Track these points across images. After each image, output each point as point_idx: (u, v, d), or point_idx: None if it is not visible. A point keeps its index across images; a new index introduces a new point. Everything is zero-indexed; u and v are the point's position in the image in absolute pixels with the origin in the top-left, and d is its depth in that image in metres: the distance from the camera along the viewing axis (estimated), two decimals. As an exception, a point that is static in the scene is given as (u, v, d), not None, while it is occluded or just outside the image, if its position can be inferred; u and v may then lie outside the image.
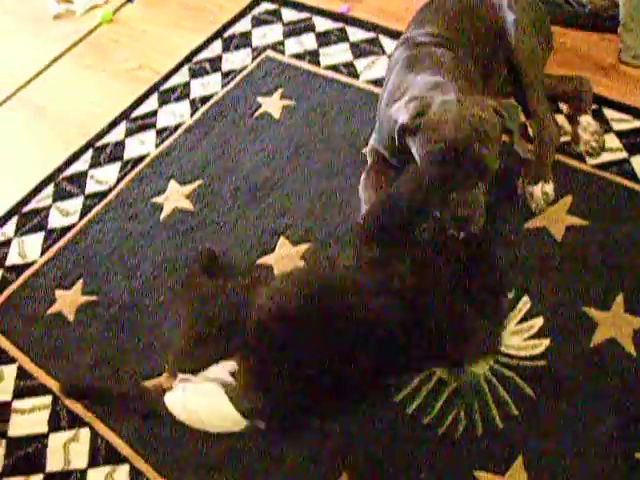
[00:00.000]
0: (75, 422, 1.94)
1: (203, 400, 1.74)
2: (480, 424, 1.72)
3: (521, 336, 1.83)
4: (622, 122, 2.21)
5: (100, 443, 1.89)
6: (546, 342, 1.81)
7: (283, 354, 1.66)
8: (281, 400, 1.68)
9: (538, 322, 1.84)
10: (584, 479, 1.60)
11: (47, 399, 2.01)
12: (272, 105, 2.58)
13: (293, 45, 2.80)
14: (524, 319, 1.86)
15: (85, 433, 1.92)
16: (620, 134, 2.19)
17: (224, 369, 1.72)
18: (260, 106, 2.59)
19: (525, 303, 1.88)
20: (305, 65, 2.70)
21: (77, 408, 1.96)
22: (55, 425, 1.96)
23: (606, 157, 2.13)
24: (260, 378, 1.69)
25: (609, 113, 2.24)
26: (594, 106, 2.26)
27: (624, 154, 2.13)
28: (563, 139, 2.19)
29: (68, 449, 1.90)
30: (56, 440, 1.93)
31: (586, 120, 2.18)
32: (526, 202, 2.07)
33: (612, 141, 2.17)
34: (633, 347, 1.76)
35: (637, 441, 1.63)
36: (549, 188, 2.06)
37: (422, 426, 1.74)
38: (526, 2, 2.24)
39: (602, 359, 1.76)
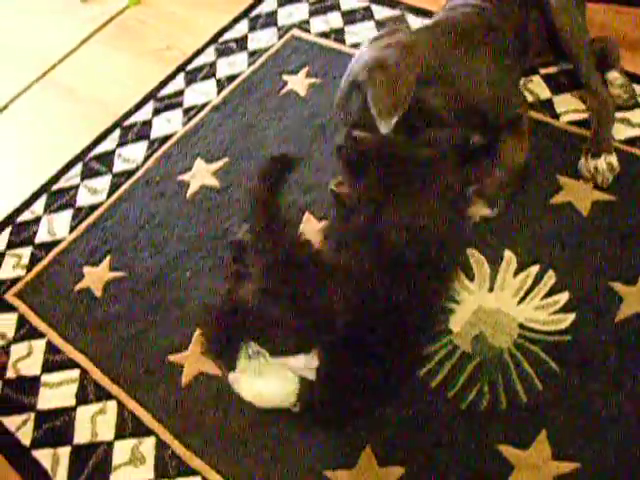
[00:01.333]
0: (102, 395, 1.96)
1: (273, 384, 1.69)
2: (504, 398, 1.71)
3: (546, 311, 1.82)
4: (649, 97, 2.19)
5: (127, 416, 1.91)
6: (571, 317, 1.79)
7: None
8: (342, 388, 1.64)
9: (563, 297, 1.83)
10: (608, 453, 1.59)
11: (75, 373, 2.03)
12: (298, 83, 2.58)
13: (319, 24, 2.79)
14: (549, 294, 1.85)
15: (112, 406, 1.94)
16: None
17: (305, 362, 1.64)
18: (286, 84, 2.59)
19: (550, 277, 1.87)
20: (331, 43, 2.69)
21: (104, 381, 1.98)
22: (82, 398, 1.98)
23: (633, 132, 2.11)
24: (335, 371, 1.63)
25: (636, 89, 2.21)
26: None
27: (652, 129, 2.11)
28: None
29: (95, 422, 1.92)
30: (84, 413, 1.95)
31: (612, 75, 2.18)
32: (591, 177, 2.04)
33: (638, 116, 2.15)
34: (659, 323, 1.75)
35: (662, 415, 1.62)
36: (613, 159, 2.03)
37: (446, 400, 1.73)
38: None
39: (627, 334, 1.74)
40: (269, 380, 1.66)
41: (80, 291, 2.20)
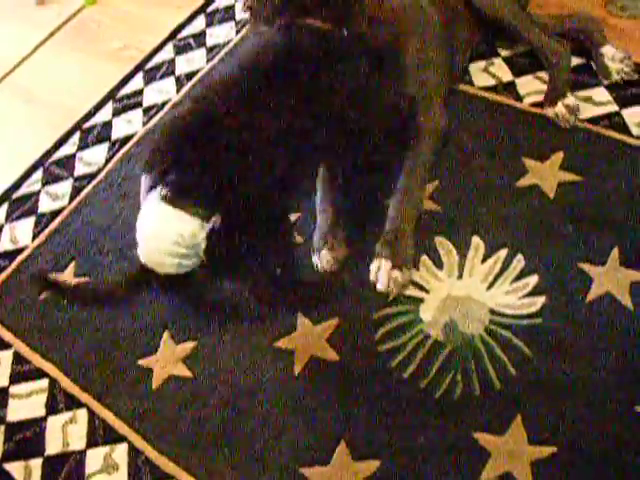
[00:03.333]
0: (72, 404, 1.93)
1: (151, 221, 1.69)
2: (477, 385, 1.69)
3: (516, 294, 1.81)
4: (612, 75, 2.18)
5: (98, 423, 1.88)
6: (541, 300, 1.78)
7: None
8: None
9: (533, 280, 1.82)
10: (584, 436, 1.57)
11: (44, 383, 2.00)
12: (257, 76, 2.54)
13: (277, 16, 2.76)
14: (518, 277, 1.83)
15: (83, 414, 1.91)
16: (610, 87, 2.15)
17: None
18: (245, 78, 2.56)
19: (519, 261, 1.85)
20: (290, 35, 2.66)
21: (74, 390, 1.95)
22: (52, 408, 1.95)
23: (596, 111, 2.10)
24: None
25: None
26: (583, 60, 2.23)
27: (614, 107, 2.10)
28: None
29: (66, 431, 1.89)
30: (54, 423, 1.92)
31: (608, 50, 2.17)
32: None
33: (602, 95, 2.14)
34: (630, 300, 1.73)
35: (636, 394, 1.60)
36: (569, 100, 2.07)
37: (419, 390, 1.72)
38: None
39: (599, 314, 1.73)
40: (174, 215, 1.63)
41: (46, 298, 2.16)
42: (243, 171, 1.65)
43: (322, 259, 1.95)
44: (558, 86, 2.13)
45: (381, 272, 1.88)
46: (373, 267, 1.90)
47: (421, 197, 2.00)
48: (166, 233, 1.65)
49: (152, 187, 1.67)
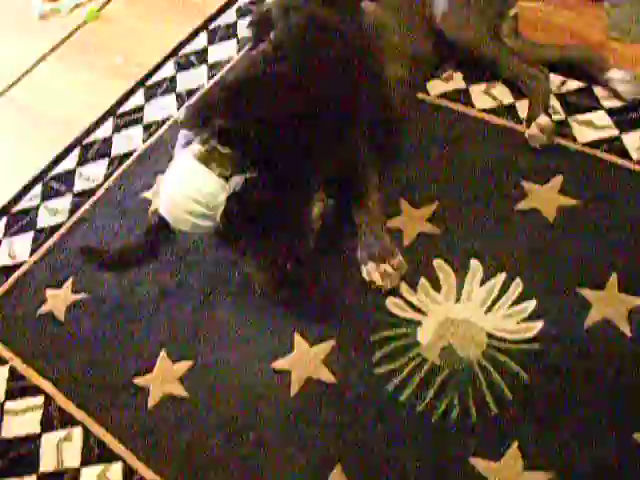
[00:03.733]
0: (67, 421, 1.92)
1: (177, 175, 1.77)
2: (474, 410, 1.69)
3: (514, 319, 1.80)
4: (612, 99, 2.17)
5: (93, 441, 1.87)
6: (539, 324, 1.78)
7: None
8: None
9: (531, 304, 1.81)
10: (582, 463, 1.56)
11: (39, 400, 1.99)
12: (259, 95, 2.55)
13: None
14: (516, 302, 1.83)
15: (78, 432, 1.90)
16: (610, 111, 2.15)
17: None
18: (246, 96, 2.56)
19: (517, 285, 1.85)
20: (291, 54, 2.66)
21: (69, 407, 1.94)
22: (47, 425, 1.94)
23: (596, 135, 2.10)
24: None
25: (598, 90, 2.20)
26: (584, 84, 2.23)
27: (614, 131, 2.10)
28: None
29: (61, 449, 1.88)
30: (49, 440, 1.91)
31: (616, 73, 2.17)
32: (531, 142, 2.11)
33: (602, 119, 2.14)
34: (628, 327, 1.73)
35: (634, 421, 1.59)
36: (543, 120, 2.09)
37: (415, 414, 1.71)
38: None
39: (597, 340, 1.73)
40: (201, 171, 1.73)
41: (43, 315, 2.16)
42: (282, 139, 1.76)
43: (372, 272, 1.95)
44: (534, 108, 2.15)
45: (372, 274, 1.91)
46: (364, 274, 1.94)
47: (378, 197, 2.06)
48: (188, 189, 1.73)
49: (187, 143, 1.77)
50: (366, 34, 2.01)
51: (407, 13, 2.31)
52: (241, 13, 2.95)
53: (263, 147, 1.76)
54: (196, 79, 2.73)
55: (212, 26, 2.93)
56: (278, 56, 1.85)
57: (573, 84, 2.23)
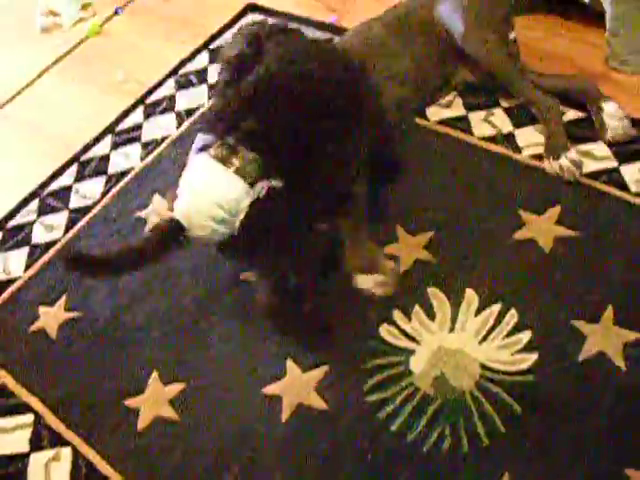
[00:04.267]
0: (56, 441, 1.91)
1: (200, 179, 1.73)
2: (466, 441, 1.67)
3: (508, 350, 1.79)
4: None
5: (82, 462, 1.85)
6: (534, 356, 1.77)
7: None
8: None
9: (526, 336, 1.81)
10: (572, 497, 1.56)
11: (29, 418, 1.98)
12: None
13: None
14: (511, 333, 1.82)
15: (67, 453, 1.88)
16: (610, 143, 2.14)
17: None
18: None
19: (512, 316, 1.84)
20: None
21: (59, 427, 1.93)
22: (36, 444, 1.92)
23: (595, 166, 2.10)
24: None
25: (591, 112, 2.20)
26: (584, 114, 2.23)
27: (613, 163, 2.09)
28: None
29: (49, 469, 1.87)
30: (37, 460, 1.90)
31: (610, 106, 2.15)
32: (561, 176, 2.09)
33: (602, 150, 2.14)
34: (623, 361, 1.72)
35: (626, 457, 1.58)
36: (573, 154, 2.08)
37: (406, 443, 1.70)
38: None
39: (591, 373, 1.72)
40: (226, 176, 1.69)
41: (35, 332, 2.15)
42: (308, 147, 1.76)
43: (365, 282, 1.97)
44: (558, 140, 2.13)
45: (365, 283, 1.94)
46: (358, 284, 1.96)
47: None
48: (213, 193, 1.69)
49: (206, 147, 1.73)
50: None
51: (417, 34, 2.33)
52: (243, 33, 2.94)
53: (292, 153, 1.75)
54: (196, 98, 2.73)
55: (213, 46, 2.94)
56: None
57: (573, 114, 2.23)
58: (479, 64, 2.29)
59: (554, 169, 2.09)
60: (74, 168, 2.63)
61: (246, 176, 1.69)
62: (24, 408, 2.00)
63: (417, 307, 1.91)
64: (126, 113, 2.78)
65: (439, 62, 2.33)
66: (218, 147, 1.71)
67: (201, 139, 1.77)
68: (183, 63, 2.91)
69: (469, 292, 1.91)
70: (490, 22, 2.29)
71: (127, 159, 2.59)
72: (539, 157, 2.16)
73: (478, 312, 1.87)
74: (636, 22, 2.28)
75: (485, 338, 1.83)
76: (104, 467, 1.83)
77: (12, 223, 2.51)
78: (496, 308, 1.87)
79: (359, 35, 2.34)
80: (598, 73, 2.37)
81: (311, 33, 2.82)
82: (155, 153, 2.57)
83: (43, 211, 2.52)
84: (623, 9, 2.26)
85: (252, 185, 1.69)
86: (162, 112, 2.72)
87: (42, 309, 2.20)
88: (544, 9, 2.61)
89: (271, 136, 1.73)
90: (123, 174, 2.53)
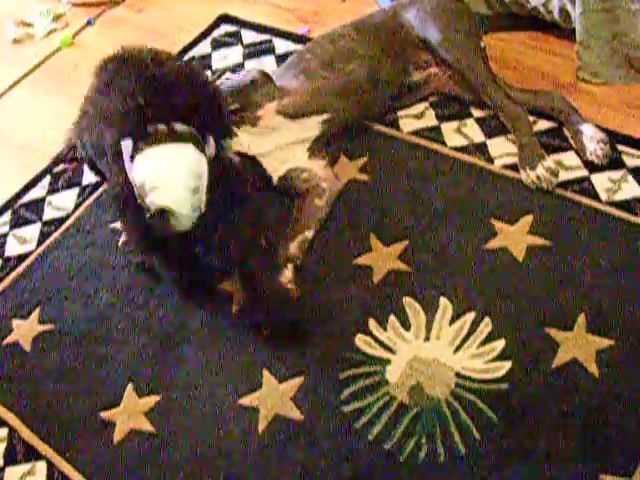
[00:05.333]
0: (31, 455, 1.90)
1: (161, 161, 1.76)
2: (442, 449, 1.68)
3: (483, 359, 1.81)
4: (582, 140, 2.20)
5: (57, 476, 1.84)
6: (508, 364, 1.78)
7: None
8: None
9: (500, 344, 1.82)
10: (548, 503, 1.58)
11: (3, 432, 1.97)
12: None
13: (253, 67, 2.77)
14: (485, 341, 1.83)
15: (42, 467, 1.87)
16: (587, 149, 2.16)
17: None
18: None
19: (486, 325, 1.86)
20: (265, 87, 2.67)
21: (34, 441, 1.92)
22: (11, 459, 1.91)
23: (566, 175, 2.12)
24: None
25: (569, 131, 2.23)
26: (554, 124, 2.26)
27: (584, 172, 2.12)
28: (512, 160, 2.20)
29: (24, 483, 1.86)
30: (12, 474, 1.89)
31: (588, 129, 2.16)
32: (538, 186, 2.11)
33: (572, 159, 2.16)
34: (596, 368, 1.74)
35: (601, 462, 1.60)
36: (549, 162, 2.11)
37: (384, 452, 1.70)
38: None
39: (565, 380, 1.73)
40: (171, 147, 1.75)
41: (8, 345, 2.14)
42: None
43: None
44: (532, 149, 2.15)
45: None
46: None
47: None
48: (179, 166, 1.74)
49: (137, 146, 1.75)
50: None
51: (383, 39, 2.37)
52: (216, 45, 2.97)
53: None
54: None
55: (187, 57, 2.93)
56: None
57: (544, 124, 2.25)
58: (453, 69, 2.32)
59: (531, 179, 2.10)
60: (47, 180, 2.61)
61: (191, 140, 1.76)
62: (-2, 422, 1.99)
63: (392, 317, 1.92)
64: (99, 124, 2.75)
65: (394, 64, 2.36)
66: (148, 137, 1.75)
67: (126, 148, 1.76)
68: (156, 74, 2.89)
69: (443, 301, 1.93)
70: (461, 28, 2.33)
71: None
72: (511, 167, 2.17)
73: (452, 321, 1.89)
74: (605, 34, 2.31)
75: (459, 347, 1.84)
76: (80, 480, 1.82)
77: (-16, 236, 2.49)
78: (470, 317, 1.88)
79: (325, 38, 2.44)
80: (568, 84, 2.40)
81: (284, 44, 2.84)
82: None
83: (16, 223, 2.50)
84: (592, 22, 2.28)
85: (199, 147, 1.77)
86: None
87: (15, 322, 2.19)
88: (517, 26, 2.63)
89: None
90: (97, 185, 2.52)
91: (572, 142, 2.19)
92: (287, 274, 2.04)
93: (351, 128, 2.37)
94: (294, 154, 2.25)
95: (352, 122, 2.36)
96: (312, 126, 2.26)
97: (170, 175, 1.74)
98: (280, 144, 2.23)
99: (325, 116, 2.27)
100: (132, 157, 1.73)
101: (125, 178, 1.75)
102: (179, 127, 1.76)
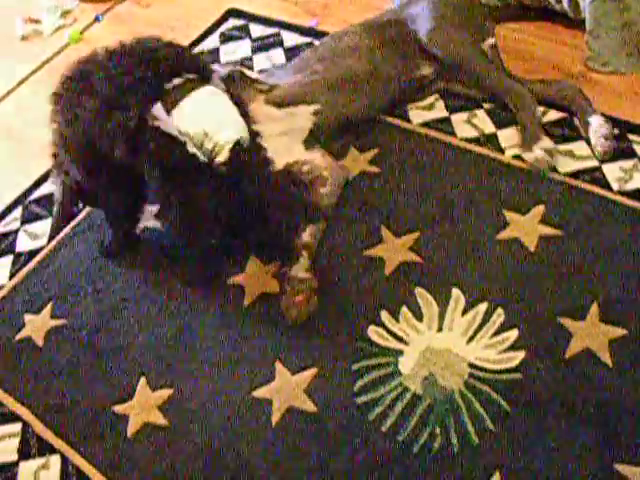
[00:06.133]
0: (45, 450, 1.90)
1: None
2: (456, 440, 1.68)
3: (496, 349, 1.81)
4: (592, 130, 2.19)
5: (71, 470, 1.84)
6: (521, 355, 1.78)
7: None
8: None
9: (513, 334, 1.82)
10: (563, 493, 1.57)
11: (17, 427, 1.96)
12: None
13: (262, 60, 2.78)
14: (498, 332, 1.83)
15: (56, 461, 1.87)
16: (591, 142, 2.16)
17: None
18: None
19: (499, 315, 1.86)
20: (274, 80, 2.67)
21: (48, 435, 1.92)
22: (25, 453, 1.91)
23: (577, 165, 2.12)
24: None
25: (579, 121, 2.22)
26: (565, 114, 2.25)
27: (595, 162, 2.12)
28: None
29: (39, 478, 1.86)
30: (26, 469, 1.89)
31: (595, 121, 2.15)
32: (537, 168, 2.12)
33: (583, 149, 2.16)
34: (609, 357, 1.73)
35: (615, 452, 1.60)
36: (546, 143, 2.11)
37: (397, 443, 1.70)
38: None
39: (578, 370, 1.73)
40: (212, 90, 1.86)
41: (21, 340, 2.14)
42: None
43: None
44: (531, 130, 2.16)
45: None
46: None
47: None
48: (221, 102, 1.86)
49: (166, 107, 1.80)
50: None
51: (388, 35, 2.38)
52: (225, 38, 2.97)
53: None
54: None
55: (195, 51, 2.93)
56: None
57: (554, 115, 2.25)
58: (443, 64, 2.34)
59: (529, 161, 2.12)
60: (57, 175, 2.61)
61: (205, 82, 1.87)
62: (12, 417, 1.99)
63: (404, 308, 1.92)
64: (108, 119, 2.75)
65: (398, 62, 2.36)
66: (170, 94, 1.81)
67: (158, 111, 1.80)
68: (165, 69, 2.89)
69: (455, 292, 1.92)
70: (456, 23, 2.33)
71: (111, 165, 2.57)
72: (522, 157, 2.17)
73: (465, 312, 1.89)
74: (615, 23, 2.30)
75: (472, 337, 1.84)
76: (94, 474, 1.82)
77: (-4, 232, 2.50)
78: (483, 307, 1.88)
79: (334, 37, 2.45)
80: (577, 73, 2.40)
81: (292, 37, 2.84)
82: (139, 159, 2.55)
83: (27, 219, 2.50)
84: (602, 11, 2.28)
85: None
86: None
87: (28, 317, 2.19)
88: (526, 16, 2.63)
89: None
90: (108, 181, 2.51)
91: (582, 132, 2.19)
92: (303, 262, 2.03)
93: (358, 123, 2.36)
94: (288, 148, 2.24)
95: (354, 116, 2.33)
96: (302, 116, 2.25)
97: (222, 112, 1.82)
98: (271, 133, 2.20)
99: (315, 107, 2.25)
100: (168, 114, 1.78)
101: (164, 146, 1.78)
102: (189, 75, 1.81)
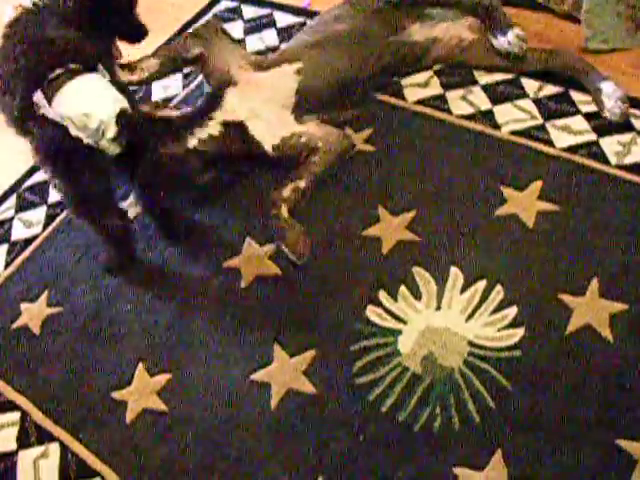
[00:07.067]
0: (44, 438, 1.90)
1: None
2: (457, 418, 1.67)
3: (495, 327, 1.79)
4: (589, 104, 2.17)
5: (70, 458, 1.84)
6: (520, 331, 1.77)
7: None
8: None
9: (512, 311, 1.80)
10: (565, 470, 1.55)
11: (15, 415, 1.96)
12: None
13: (254, 42, 2.76)
14: (497, 309, 1.82)
15: (55, 448, 1.87)
16: (588, 116, 2.14)
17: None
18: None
19: (498, 292, 1.84)
20: (267, 61, 2.65)
21: (46, 423, 1.91)
22: (24, 442, 1.91)
23: (574, 140, 2.10)
24: None
25: (576, 95, 2.20)
26: (561, 88, 2.23)
27: (592, 136, 2.10)
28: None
29: (38, 466, 1.86)
30: (26, 457, 1.89)
31: (608, 86, 2.12)
32: (508, 52, 2.26)
33: (580, 123, 2.14)
34: (609, 332, 1.72)
35: (617, 428, 1.58)
36: (517, 30, 2.24)
37: (398, 423, 1.69)
38: None
39: (578, 346, 1.72)
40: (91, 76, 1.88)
41: (18, 329, 2.13)
42: None
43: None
44: (501, 19, 2.27)
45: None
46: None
47: None
48: (97, 85, 1.89)
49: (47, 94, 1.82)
50: None
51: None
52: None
53: None
54: (171, 88, 2.72)
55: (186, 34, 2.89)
56: None
57: (550, 89, 2.23)
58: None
59: (502, 44, 2.24)
60: (51, 162, 2.59)
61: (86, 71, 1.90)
62: (10, 406, 1.98)
63: (403, 287, 1.91)
64: (101, 106, 2.73)
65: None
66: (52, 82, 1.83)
67: (40, 99, 1.83)
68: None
69: (454, 270, 1.91)
70: None
71: (105, 151, 2.55)
72: (519, 133, 2.15)
73: (463, 290, 1.87)
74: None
75: (471, 315, 1.83)
76: (93, 461, 1.81)
77: (-10, 221, 2.48)
78: (481, 285, 1.87)
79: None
80: (576, 49, 2.35)
81: (284, 18, 2.82)
82: (132, 144, 2.53)
83: (21, 207, 2.49)
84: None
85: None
86: (138, 101, 2.67)
87: (24, 305, 2.18)
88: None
89: None
90: (101, 167, 2.49)
91: (592, 98, 2.18)
92: (282, 212, 2.06)
93: (351, 91, 2.32)
94: (282, 120, 2.22)
95: (341, 77, 2.27)
96: (285, 75, 2.23)
97: (99, 92, 1.85)
98: (259, 99, 2.21)
99: (298, 65, 2.24)
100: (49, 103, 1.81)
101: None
102: (73, 66, 1.84)
